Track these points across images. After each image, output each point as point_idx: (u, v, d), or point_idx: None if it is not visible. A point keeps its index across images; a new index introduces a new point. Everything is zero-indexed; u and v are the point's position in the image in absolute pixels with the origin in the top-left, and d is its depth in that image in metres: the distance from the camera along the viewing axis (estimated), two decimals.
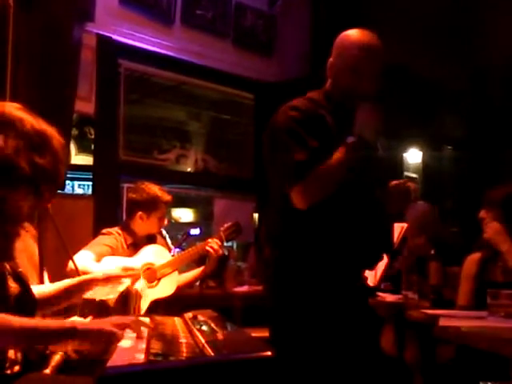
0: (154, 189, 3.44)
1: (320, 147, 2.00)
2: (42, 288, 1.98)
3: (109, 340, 1.49)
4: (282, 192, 2.06)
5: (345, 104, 2.13)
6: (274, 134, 2.11)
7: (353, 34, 2.16)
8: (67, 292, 1.95)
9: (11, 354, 1.58)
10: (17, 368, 1.58)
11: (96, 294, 2.13)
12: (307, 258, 2.05)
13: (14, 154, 1.52)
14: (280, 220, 2.15)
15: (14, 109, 1.60)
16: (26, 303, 1.66)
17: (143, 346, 1.41)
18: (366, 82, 2.11)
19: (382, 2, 4.85)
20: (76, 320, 1.86)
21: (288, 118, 2.06)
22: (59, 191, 3.32)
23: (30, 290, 1.71)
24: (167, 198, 3.47)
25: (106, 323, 1.56)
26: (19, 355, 1.60)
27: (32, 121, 1.60)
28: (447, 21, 5.11)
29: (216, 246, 3.45)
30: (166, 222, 3.52)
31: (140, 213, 3.38)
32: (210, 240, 3.50)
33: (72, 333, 1.49)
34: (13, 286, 1.62)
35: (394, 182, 2.24)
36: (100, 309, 2.57)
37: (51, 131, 1.64)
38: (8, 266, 1.63)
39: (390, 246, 2.23)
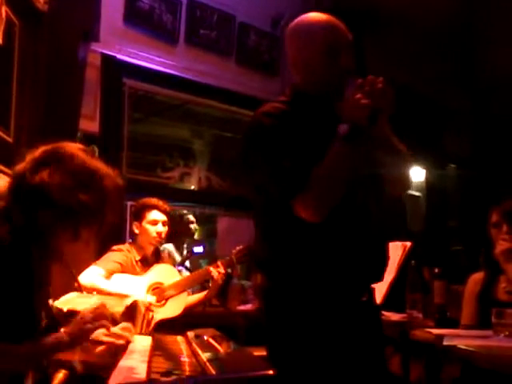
0: (144, 199, 3.48)
1: (306, 151, 1.76)
2: None
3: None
4: (264, 212, 1.89)
5: (326, 95, 1.88)
6: (249, 147, 1.87)
7: (305, 19, 1.93)
8: None
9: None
10: None
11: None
12: (297, 278, 1.87)
13: (57, 189, 1.52)
14: (265, 242, 1.93)
15: (70, 147, 1.62)
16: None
17: (145, 363, 1.41)
18: (344, 58, 1.86)
19: (385, 22, 4.88)
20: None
21: (262, 126, 1.82)
22: None
23: (56, 326, 1.71)
24: (154, 202, 3.45)
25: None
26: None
27: (85, 158, 1.60)
28: (450, 40, 5.14)
29: (217, 274, 3.44)
30: (162, 227, 3.45)
31: (135, 223, 3.43)
32: (218, 263, 3.51)
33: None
34: (44, 320, 1.63)
35: None
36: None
37: (106, 172, 1.62)
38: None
39: (383, 267, 2.06)
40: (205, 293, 3.58)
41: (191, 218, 4.87)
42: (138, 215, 3.45)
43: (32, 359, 1.53)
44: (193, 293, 3.75)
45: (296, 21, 1.95)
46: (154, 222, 3.42)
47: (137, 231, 3.44)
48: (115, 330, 1.70)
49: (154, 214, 3.43)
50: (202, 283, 3.77)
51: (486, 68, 5.26)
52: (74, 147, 1.62)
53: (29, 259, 1.55)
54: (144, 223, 3.41)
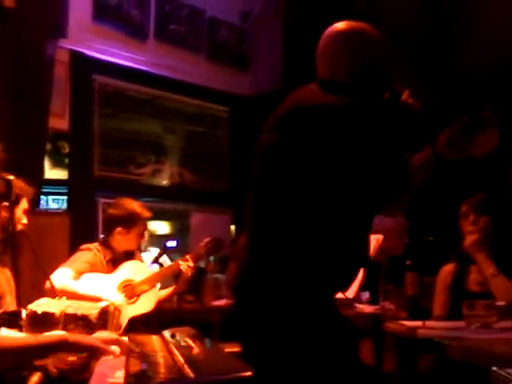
0: (132, 205, 3.42)
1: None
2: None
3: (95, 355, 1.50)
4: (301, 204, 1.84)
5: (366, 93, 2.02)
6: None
7: (370, 29, 2.09)
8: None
9: None
10: None
11: (77, 309, 2.12)
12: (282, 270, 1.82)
13: None
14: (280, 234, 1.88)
15: None
16: None
17: (122, 365, 1.40)
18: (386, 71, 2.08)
19: (356, 17, 4.87)
20: (66, 333, 1.82)
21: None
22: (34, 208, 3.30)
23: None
24: (147, 214, 3.45)
25: (96, 339, 1.55)
26: None
27: None
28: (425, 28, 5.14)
29: (186, 268, 3.44)
30: (145, 238, 3.51)
31: (119, 229, 3.36)
32: (187, 257, 3.50)
33: (62, 345, 1.49)
34: None
35: None
36: (83, 324, 2.54)
37: None
38: None
39: (367, 259, 2.11)
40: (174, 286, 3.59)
41: None
42: (128, 222, 3.36)
43: (29, 354, 1.51)
44: (166, 288, 3.74)
45: (354, 25, 2.10)
46: (143, 235, 3.43)
47: (119, 236, 3.38)
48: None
49: (145, 227, 3.45)
50: (175, 277, 3.77)
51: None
52: None
53: None
54: (132, 232, 3.38)
